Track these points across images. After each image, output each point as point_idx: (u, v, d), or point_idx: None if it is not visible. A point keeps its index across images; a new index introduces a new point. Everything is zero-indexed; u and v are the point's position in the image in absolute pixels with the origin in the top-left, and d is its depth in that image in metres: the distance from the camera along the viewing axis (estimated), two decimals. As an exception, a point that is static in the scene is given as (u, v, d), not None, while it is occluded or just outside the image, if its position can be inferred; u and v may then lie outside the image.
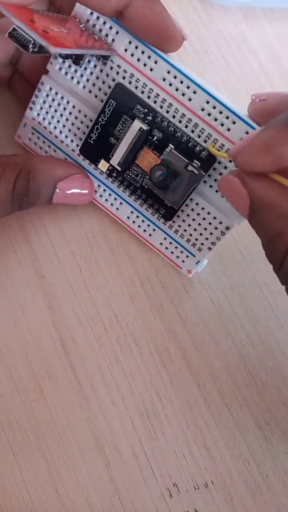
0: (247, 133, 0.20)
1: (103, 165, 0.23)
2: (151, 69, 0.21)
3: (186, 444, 0.24)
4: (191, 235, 0.24)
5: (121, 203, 0.25)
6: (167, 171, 0.22)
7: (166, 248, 0.25)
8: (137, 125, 0.22)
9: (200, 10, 0.28)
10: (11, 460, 0.24)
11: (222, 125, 0.21)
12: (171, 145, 0.22)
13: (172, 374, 0.25)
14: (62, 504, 0.24)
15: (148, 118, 0.22)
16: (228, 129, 0.21)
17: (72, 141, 0.24)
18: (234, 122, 0.20)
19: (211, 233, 0.23)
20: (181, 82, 0.21)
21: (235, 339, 0.25)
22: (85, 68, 0.23)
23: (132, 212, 0.25)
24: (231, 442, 0.25)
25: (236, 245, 0.26)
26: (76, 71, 0.23)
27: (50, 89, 0.24)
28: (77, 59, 0.22)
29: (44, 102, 0.24)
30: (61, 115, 0.24)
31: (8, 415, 0.25)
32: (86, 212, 0.26)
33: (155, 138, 0.22)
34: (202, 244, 0.24)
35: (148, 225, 0.24)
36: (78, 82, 0.23)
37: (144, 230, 0.25)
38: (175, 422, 0.25)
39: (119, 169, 0.23)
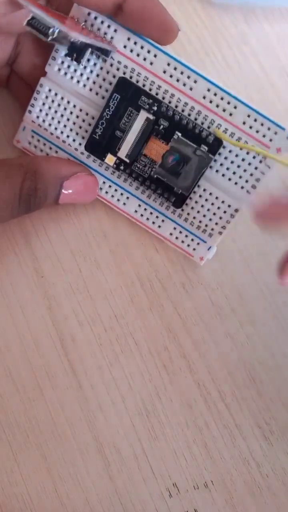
0: (248, 116, 0.21)
1: (110, 159, 0.23)
2: (151, 63, 0.22)
3: (186, 444, 0.24)
4: (200, 221, 0.24)
5: (127, 198, 0.25)
6: (180, 155, 0.22)
7: (176, 238, 0.25)
8: (143, 115, 0.22)
9: (200, 10, 0.28)
10: (10, 459, 0.24)
11: (224, 110, 0.22)
12: (178, 133, 0.22)
13: (172, 373, 0.25)
14: (62, 503, 0.24)
15: (153, 108, 0.22)
16: (230, 114, 0.22)
17: (74, 140, 0.24)
18: (235, 107, 0.21)
19: (221, 218, 0.23)
20: (182, 73, 0.22)
21: (235, 339, 0.25)
22: (85, 67, 0.23)
23: (139, 205, 0.25)
24: (231, 442, 0.24)
25: (235, 245, 0.26)
26: (75, 70, 0.23)
27: (49, 90, 0.24)
28: (78, 57, 0.22)
29: (44, 104, 0.24)
30: (62, 115, 0.24)
31: (8, 415, 0.25)
32: (85, 211, 0.26)
33: (161, 128, 0.22)
34: (212, 229, 0.24)
35: (157, 217, 0.25)
36: (78, 81, 0.23)
37: (153, 222, 0.25)
38: (175, 422, 0.25)
39: (127, 161, 0.23)
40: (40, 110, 0.24)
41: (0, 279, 0.26)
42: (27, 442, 0.24)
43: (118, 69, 0.22)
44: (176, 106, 0.22)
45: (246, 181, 0.22)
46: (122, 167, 0.24)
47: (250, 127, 0.22)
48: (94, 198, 0.25)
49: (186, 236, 0.24)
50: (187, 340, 0.25)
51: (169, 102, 0.22)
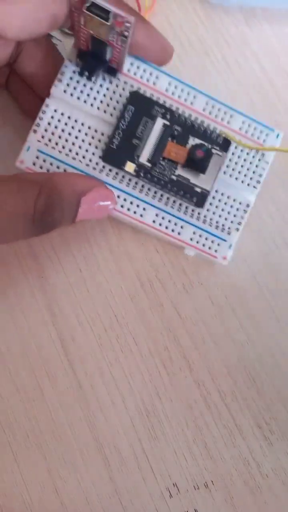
0: (243, 122, 0.25)
1: (129, 166, 0.24)
2: (154, 83, 0.24)
3: (186, 444, 0.24)
4: (217, 222, 0.25)
5: (144, 209, 0.25)
6: (206, 148, 0.24)
7: (197, 242, 0.25)
8: (160, 122, 0.24)
9: (200, 10, 0.28)
10: (10, 460, 0.24)
11: (222, 119, 0.25)
12: (191, 136, 0.24)
13: (172, 374, 0.25)
14: (62, 503, 0.24)
15: (167, 116, 0.24)
16: (228, 122, 0.25)
17: (84, 157, 0.24)
18: (231, 116, 0.25)
19: (235, 215, 0.25)
20: (182, 90, 0.24)
21: (235, 339, 0.25)
22: (91, 88, 0.24)
23: (157, 214, 0.25)
24: (231, 442, 0.25)
25: (236, 246, 0.26)
26: (82, 91, 0.24)
27: (55, 110, 0.24)
28: (90, 74, 0.23)
29: (49, 124, 0.24)
30: (70, 133, 0.24)
31: (8, 415, 0.25)
32: (86, 212, 0.26)
33: (176, 133, 0.24)
34: (229, 228, 0.25)
35: (176, 224, 0.25)
36: (85, 101, 0.24)
37: (173, 230, 0.25)
38: (175, 422, 0.25)
39: (149, 165, 0.24)
40: (46, 130, 0.24)
41: (0, 279, 0.26)
42: (27, 442, 0.24)
43: (123, 89, 0.24)
44: None
45: (251, 178, 0.25)
46: (142, 174, 0.24)
47: (246, 132, 0.25)
48: (111, 212, 0.24)
49: (206, 238, 0.25)
50: (187, 340, 0.25)
51: None
